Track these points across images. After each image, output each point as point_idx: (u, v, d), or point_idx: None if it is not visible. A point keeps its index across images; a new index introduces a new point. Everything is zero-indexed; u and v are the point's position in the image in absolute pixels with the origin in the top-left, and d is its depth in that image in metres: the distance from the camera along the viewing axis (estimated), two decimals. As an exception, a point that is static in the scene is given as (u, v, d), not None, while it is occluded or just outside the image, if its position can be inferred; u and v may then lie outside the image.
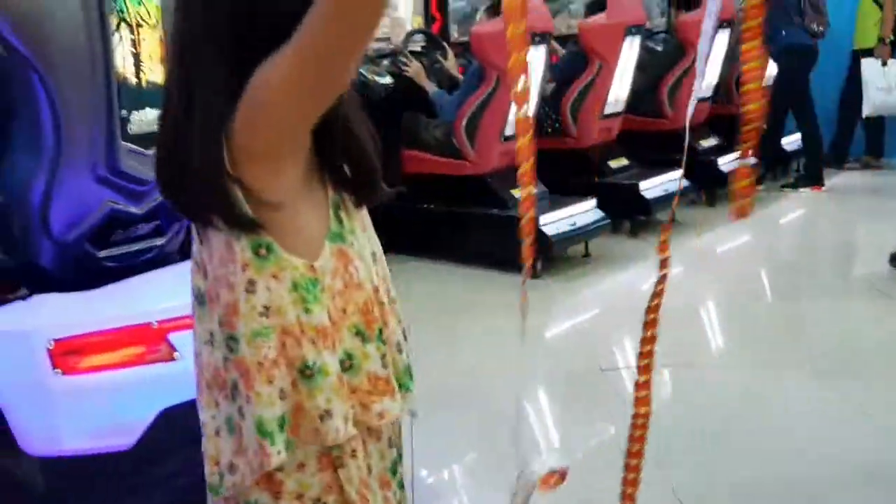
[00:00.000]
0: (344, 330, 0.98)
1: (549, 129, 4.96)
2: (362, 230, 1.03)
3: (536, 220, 4.08)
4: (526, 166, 1.07)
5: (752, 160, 1.32)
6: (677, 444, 2.46)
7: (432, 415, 1.36)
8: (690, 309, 3.84)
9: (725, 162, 5.54)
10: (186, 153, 0.92)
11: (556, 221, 4.14)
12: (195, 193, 0.94)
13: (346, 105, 0.98)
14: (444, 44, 4.81)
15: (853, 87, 6.32)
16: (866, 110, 6.23)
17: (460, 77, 4.57)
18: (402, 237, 3.86)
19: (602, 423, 2.71)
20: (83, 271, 2.02)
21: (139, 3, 1.82)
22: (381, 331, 1.01)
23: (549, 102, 4.86)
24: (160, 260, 2.12)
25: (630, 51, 4.82)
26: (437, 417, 1.33)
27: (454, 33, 5.14)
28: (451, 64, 4.67)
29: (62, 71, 1.77)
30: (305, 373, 0.95)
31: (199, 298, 1.01)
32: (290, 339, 0.95)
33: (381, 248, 1.07)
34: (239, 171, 0.91)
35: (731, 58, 5.90)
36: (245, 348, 0.94)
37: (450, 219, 4.46)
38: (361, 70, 3.92)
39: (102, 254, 2.04)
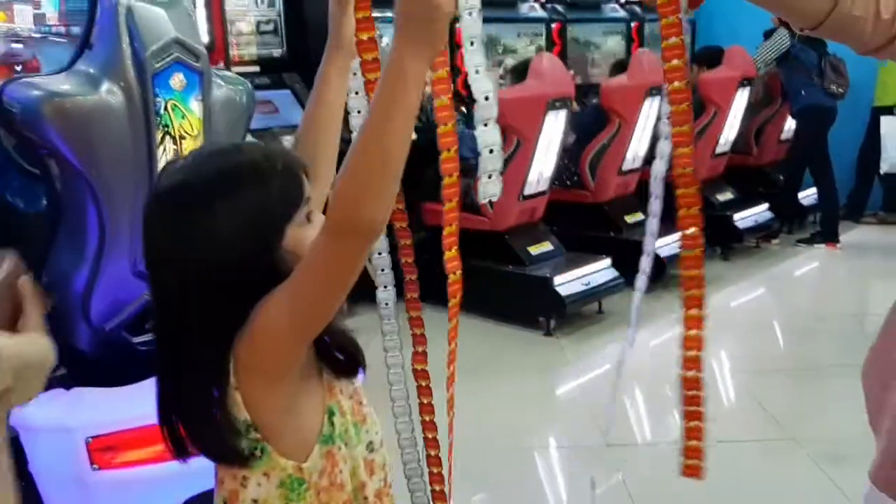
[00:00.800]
0: None
1: (568, 183, 5.07)
2: (361, 423, 1.13)
3: (547, 281, 4.16)
4: (451, 229, 1.13)
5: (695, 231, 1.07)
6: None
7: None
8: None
9: (741, 217, 5.63)
10: (182, 401, 1.05)
11: (570, 282, 4.23)
12: (192, 438, 1.06)
13: None
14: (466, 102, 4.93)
15: (872, 142, 6.39)
16: (884, 167, 6.30)
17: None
18: (422, 287, 3.94)
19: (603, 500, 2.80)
20: (118, 355, 2.15)
21: (182, 117, 1.94)
22: None
23: (569, 156, 4.96)
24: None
25: (650, 111, 4.91)
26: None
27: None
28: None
29: (110, 180, 1.90)
30: None
31: (215, 473, 1.12)
32: None
33: (381, 434, 1.17)
34: (241, 388, 1.01)
35: (751, 111, 6.01)
36: None
37: (468, 273, 4.53)
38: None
39: (137, 340, 2.17)
